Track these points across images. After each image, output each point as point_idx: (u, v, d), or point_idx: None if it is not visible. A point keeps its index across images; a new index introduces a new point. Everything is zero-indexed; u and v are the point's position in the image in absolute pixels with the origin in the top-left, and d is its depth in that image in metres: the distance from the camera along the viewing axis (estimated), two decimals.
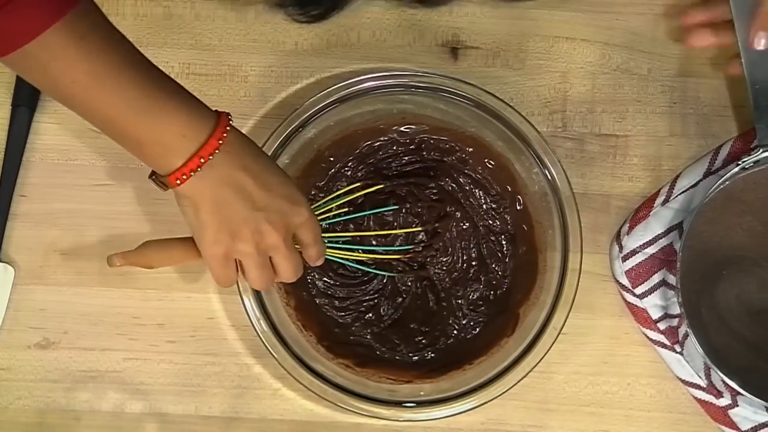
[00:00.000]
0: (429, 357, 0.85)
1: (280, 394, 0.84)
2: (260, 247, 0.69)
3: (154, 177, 0.67)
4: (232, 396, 0.84)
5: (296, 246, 0.73)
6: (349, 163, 0.85)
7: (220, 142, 0.65)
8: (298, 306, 0.84)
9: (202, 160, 0.65)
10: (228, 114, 0.67)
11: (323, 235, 0.81)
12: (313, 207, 0.79)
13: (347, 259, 0.82)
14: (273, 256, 0.70)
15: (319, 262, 0.76)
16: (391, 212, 0.85)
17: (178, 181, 0.65)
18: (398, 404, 0.80)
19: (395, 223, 0.85)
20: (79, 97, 0.63)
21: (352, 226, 0.85)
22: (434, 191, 0.85)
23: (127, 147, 0.66)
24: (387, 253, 0.84)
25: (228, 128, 0.66)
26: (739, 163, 0.77)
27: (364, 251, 0.84)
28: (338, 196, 0.82)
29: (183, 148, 0.64)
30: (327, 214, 0.81)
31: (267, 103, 0.86)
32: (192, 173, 0.65)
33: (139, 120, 0.63)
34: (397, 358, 0.84)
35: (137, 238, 0.83)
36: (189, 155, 0.64)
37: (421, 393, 0.81)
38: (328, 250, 0.80)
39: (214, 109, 0.67)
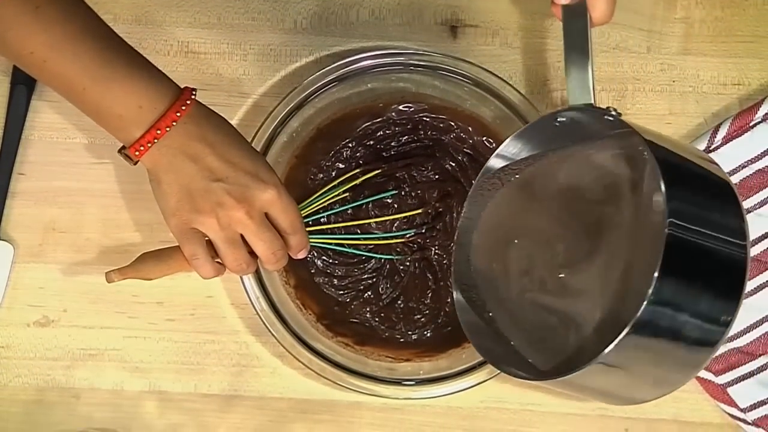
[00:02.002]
0: (428, 335, 0.85)
1: (280, 373, 0.84)
2: (222, 220, 0.68)
3: (121, 151, 0.68)
4: (231, 374, 0.84)
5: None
6: (349, 144, 0.85)
7: (178, 114, 0.65)
8: (298, 284, 0.84)
9: (159, 132, 0.65)
10: (193, 89, 0.67)
11: (323, 227, 0.82)
12: (311, 199, 0.80)
13: (344, 245, 0.82)
14: (243, 233, 0.69)
15: (302, 255, 0.74)
16: (390, 196, 0.84)
17: (137, 153, 0.66)
18: (397, 382, 0.80)
19: (395, 206, 0.85)
20: (38, 67, 0.63)
21: (350, 211, 0.85)
22: (434, 171, 0.85)
23: (91, 117, 0.66)
24: (388, 238, 0.84)
25: (189, 102, 0.66)
26: (556, 114, 0.72)
27: (365, 238, 0.84)
28: (334, 187, 0.82)
29: (140, 120, 0.65)
30: (326, 203, 0.81)
31: (266, 82, 0.86)
32: (149, 144, 0.65)
33: (97, 90, 0.64)
34: (396, 336, 0.84)
35: (135, 217, 0.84)
36: (147, 127, 0.65)
37: (420, 371, 0.82)
38: (325, 239, 0.80)
39: (184, 86, 0.67)
